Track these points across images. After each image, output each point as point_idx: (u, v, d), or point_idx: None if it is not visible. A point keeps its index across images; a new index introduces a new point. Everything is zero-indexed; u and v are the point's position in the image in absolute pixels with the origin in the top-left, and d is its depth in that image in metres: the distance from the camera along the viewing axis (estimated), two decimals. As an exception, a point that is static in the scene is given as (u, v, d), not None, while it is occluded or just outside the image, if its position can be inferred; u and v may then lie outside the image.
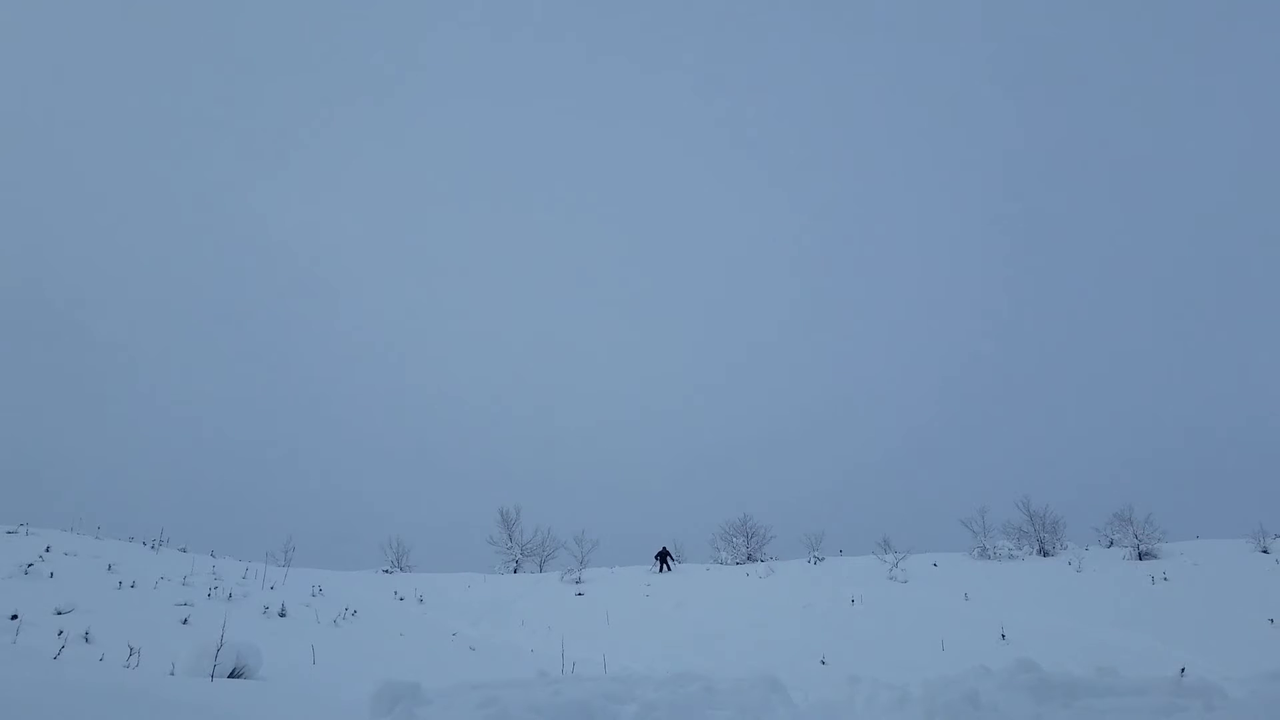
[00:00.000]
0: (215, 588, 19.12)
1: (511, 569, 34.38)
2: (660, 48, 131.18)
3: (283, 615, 17.64)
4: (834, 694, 7.70)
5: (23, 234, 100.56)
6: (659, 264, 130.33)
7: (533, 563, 35.09)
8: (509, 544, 35.04)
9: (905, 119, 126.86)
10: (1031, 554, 28.68)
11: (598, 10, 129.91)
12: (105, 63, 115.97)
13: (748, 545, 33.35)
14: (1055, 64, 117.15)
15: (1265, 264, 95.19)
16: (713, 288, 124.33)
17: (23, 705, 4.63)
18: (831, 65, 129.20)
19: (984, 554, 28.58)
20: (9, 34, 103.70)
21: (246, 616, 16.71)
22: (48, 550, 19.66)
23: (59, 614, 13.72)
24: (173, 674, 8.32)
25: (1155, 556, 26.23)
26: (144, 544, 24.18)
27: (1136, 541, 26.94)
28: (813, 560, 30.44)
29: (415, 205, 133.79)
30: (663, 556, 30.47)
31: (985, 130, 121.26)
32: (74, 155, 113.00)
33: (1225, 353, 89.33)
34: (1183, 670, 11.68)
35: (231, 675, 8.74)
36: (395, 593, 24.89)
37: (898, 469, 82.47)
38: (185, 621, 15.05)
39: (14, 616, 12.31)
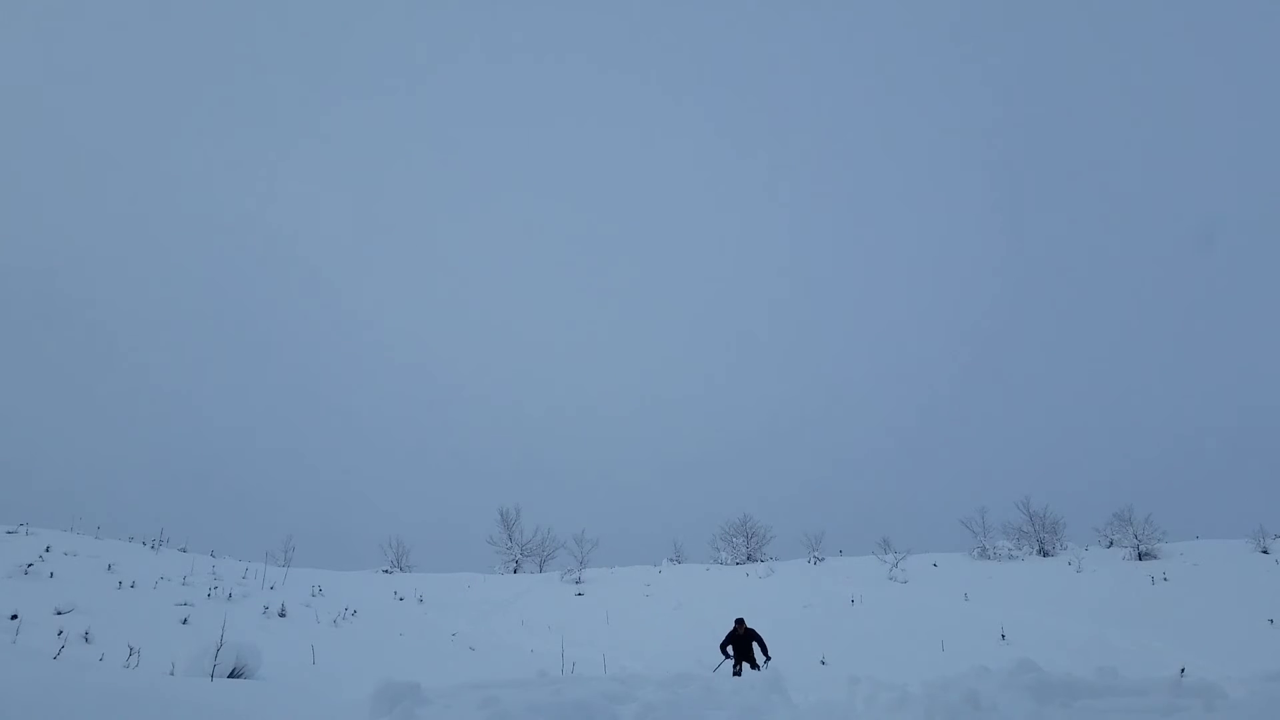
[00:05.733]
0: (215, 588, 19.14)
1: (511, 569, 34.37)
2: (649, 51, 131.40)
3: (283, 615, 17.66)
4: (834, 694, 7.70)
5: (22, 233, 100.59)
6: (655, 263, 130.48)
7: (533, 563, 35.09)
8: (509, 544, 35.04)
9: (900, 113, 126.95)
10: (1031, 554, 28.67)
11: (593, 16, 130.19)
12: (108, 57, 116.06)
13: (747, 545, 33.34)
14: (1049, 59, 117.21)
15: (1265, 262, 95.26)
16: (711, 286, 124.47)
17: (23, 705, 4.63)
18: (821, 64, 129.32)
19: (984, 554, 28.59)
20: (14, 30, 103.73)
21: (246, 616, 16.74)
22: (48, 550, 19.67)
23: (59, 614, 13.73)
24: (173, 674, 8.32)
25: (1155, 557, 26.23)
26: (144, 544, 24.20)
27: (1136, 542, 26.95)
28: (813, 560, 30.43)
29: (418, 204, 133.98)
30: (739, 650, 13.53)
31: (980, 123, 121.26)
32: (75, 153, 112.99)
33: (1225, 352, 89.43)
34: (1183, 670, 11.70)
35: (231, 675, 8.75)
36: (395, 593, 24.89)
37: (898, 469, 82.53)
38: (185, 621, 15.07)
39: (14, 616, 12.33)
